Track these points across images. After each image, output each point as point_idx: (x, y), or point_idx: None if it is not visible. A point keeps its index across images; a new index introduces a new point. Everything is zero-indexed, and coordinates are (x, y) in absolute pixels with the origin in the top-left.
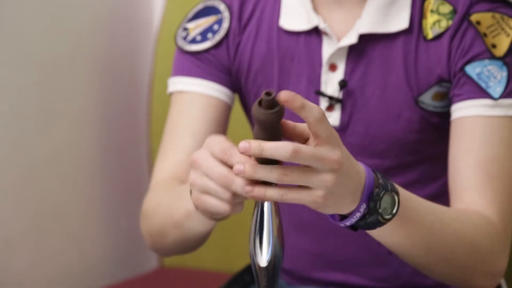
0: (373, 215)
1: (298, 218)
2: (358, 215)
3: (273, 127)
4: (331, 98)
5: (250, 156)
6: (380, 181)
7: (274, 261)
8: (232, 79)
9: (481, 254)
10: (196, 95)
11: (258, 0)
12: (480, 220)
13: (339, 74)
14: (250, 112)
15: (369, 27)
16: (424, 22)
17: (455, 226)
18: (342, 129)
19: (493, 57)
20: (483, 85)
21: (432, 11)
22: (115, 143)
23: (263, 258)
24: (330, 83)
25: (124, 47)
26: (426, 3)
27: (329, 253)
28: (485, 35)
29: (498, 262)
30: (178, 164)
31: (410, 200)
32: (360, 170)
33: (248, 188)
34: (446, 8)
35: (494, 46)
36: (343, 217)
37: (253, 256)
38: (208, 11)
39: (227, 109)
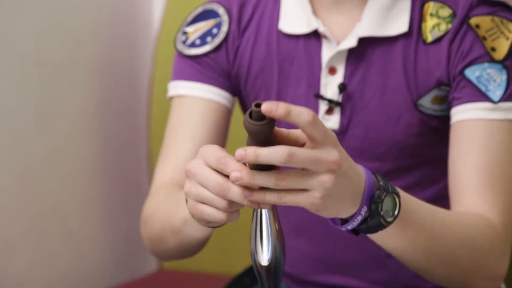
0: (374, 218)
1: (298, 221)
2: (359, 218)
3: (265, 138)
4: (330, 101)
5: (245, 163)
6: (381, 183)
7: (275, 260)
8: (232, 83)
9: (482, 257)
10: (196, 99)
11: (258, 3)
12: (481, 223)
13: (339, 77)
14: None
15: (369, 31)
16: (423, 25)
17: (456, 229)
18: (341, 132)
19: (492, 60)
20: (482, 88)
21: (431, 14)
22: (114, 145)
23: (264, 257)
24: (330, 87)
25: (124, 49)
26: (425, 7)
27: (329, 256)
28: (484, 38)
29: (499, 265)
30: (178, 168)
31: (410, 202)
32: (360, 172)
33: (247, 192)
34: (446, 12)
35: (493, 49)
36: (344, 221)
37: (254, 255)
38: (207, 14)
39: (227, 113)
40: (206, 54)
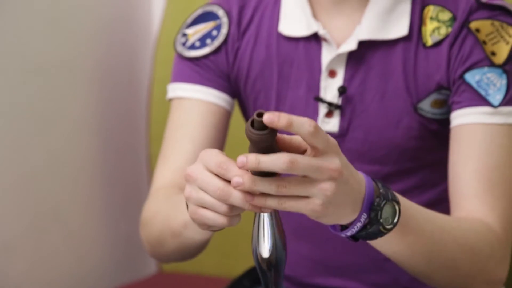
0: (374, 225)
1: (298, 224)
2: (358, 225)
3: (267, 146)
4: (330, 104)
5: (247, 169)
6: (381, 190)
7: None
8: (231, 85)
9: (482, 262)
10: (195, 102)
11: (257, 5)
12: (481, 227)
13: (339, 80)
14: (249, 118)
15: (369, 34)
16: (423, 29)
17: (456, 234)
18: (341, 135)
19: (492, 64)
20: (482, 92)
21: (431, 18)
22: (114, 147)
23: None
24: (330, 89)
25: (123, 52)
26: (425, 10)
27: (328, 259)
28: (484, 42)
29: (499, 270)
30: (177, 170)
31: (410, 209)
32: (360, 179)
33: (249, 196)
34: (446, 15)
35: (493, 53)
36: (344, 227)
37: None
38: (207, 16)
39: (227, 115)
40: (205, 56)
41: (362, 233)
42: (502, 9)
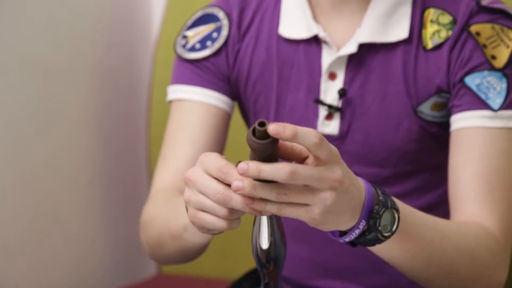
0: (372, 233)
1: (297, 226)
2: (357, 231)
3: (268, 155)
4: (330, 106)
5: (248, 177)
6: (380, 197)
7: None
8: (231, 87)
9: (481, 266)
10: (195, 104)
11: (258, 7)
12: (481, 232)
13: (339, 82)
14: (249, 120)
15: (369, 37)
16: (424, 32)
17: (456, 239)
18: (341, 138)
19: (492, 68)
20: (482, 96)
21: (432, 21)
22: (114, 149)
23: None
24: (330, 92)
25: (123, 53)
26: (426, 13)
27: (327, 261)
28: (484, 46)
29: (499, 274)
30: (177, 172)
31: (410, 215)
32: (360, 186)
33: (248, 200)
34: (446, 19)
35: (493, 57)
36: (343, 233)
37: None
38: (207, 18)
39: (227, 117)
40: (206, 58)
41: (361, 239)
42: (503, 13)
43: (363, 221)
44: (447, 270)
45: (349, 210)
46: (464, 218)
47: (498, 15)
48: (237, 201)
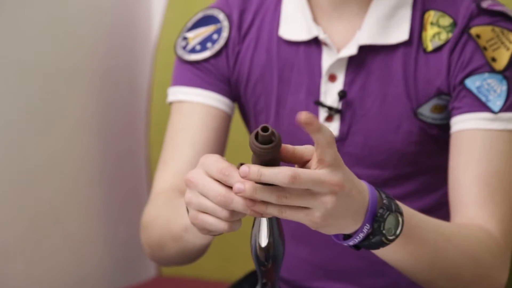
0: (376, 236)
1: (297, 227)
2: (361, 235)
3: (270, 159)
4: (330, 108)
5: (249, 180)
6: (384, 201)
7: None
8: (232, 89)
9: (483, 268)
10: (195, 105)
11: (258, 9)
12: (482, 234)
13: (339, 84)
14: (249, 122)
15: (369, 39)
16: (424, 34)
17: (458, 242)
18: (341, 140)
19: (493, 70)
20: (483, 98)
21: (432, 23)
22: (114, 150)
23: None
24: (330, 94)
25: (123, 55)
26: (426, 15)
27: (328, 263)
28: (485, 48)
29: (500, 276)
30: (177, 174)
31: (414, 218)
32: (363, 190)
33: (249, 202)
34: (446, 21)
35: (494, 59)
36: (347, 236)
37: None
38: (207, 20)
39: (227, 118)
40: (206, 60)
41: (365, 243)
42: (503, 15)
43: (367, 224)
44: (450, 273)
45: (351, 214)
46: (465, 220)
47: (498, 17)
48: (238, 203)
